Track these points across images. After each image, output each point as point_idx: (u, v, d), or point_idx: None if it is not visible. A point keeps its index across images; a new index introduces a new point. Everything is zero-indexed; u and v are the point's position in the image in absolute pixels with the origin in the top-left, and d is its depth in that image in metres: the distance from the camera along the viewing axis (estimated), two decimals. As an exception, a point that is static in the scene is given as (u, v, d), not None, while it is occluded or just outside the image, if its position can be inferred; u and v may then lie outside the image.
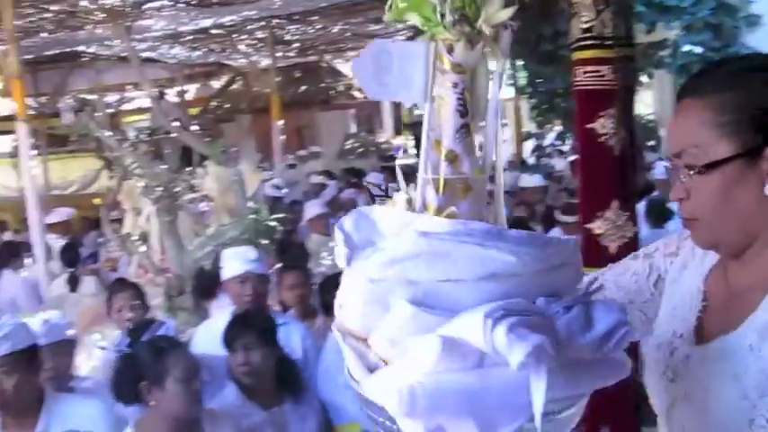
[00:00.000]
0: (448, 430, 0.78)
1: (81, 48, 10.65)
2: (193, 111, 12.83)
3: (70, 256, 6.19)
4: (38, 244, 6.06)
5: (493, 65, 0.93)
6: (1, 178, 12.05)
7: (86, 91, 11.83)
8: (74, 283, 5.80)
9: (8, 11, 6.25)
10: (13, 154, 10.98)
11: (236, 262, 3.33)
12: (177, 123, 4.59)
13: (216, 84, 14.29)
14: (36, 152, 8.14)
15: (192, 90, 14.47)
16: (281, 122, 9.58)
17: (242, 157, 4.40)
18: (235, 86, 13.65)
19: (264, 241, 4.07)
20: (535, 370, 0.75)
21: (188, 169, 4.47)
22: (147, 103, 10.02)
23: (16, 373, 2.36)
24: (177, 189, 4.41)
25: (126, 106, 16.16)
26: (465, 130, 0.91)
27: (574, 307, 0.83)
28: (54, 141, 11.53)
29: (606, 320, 0.83)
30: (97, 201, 11.15)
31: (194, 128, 5.68)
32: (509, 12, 0.87)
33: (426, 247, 0.83)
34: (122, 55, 9.35)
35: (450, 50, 0.89)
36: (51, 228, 7.24)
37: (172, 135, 4.43)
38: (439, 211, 0.89)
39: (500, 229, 0.89)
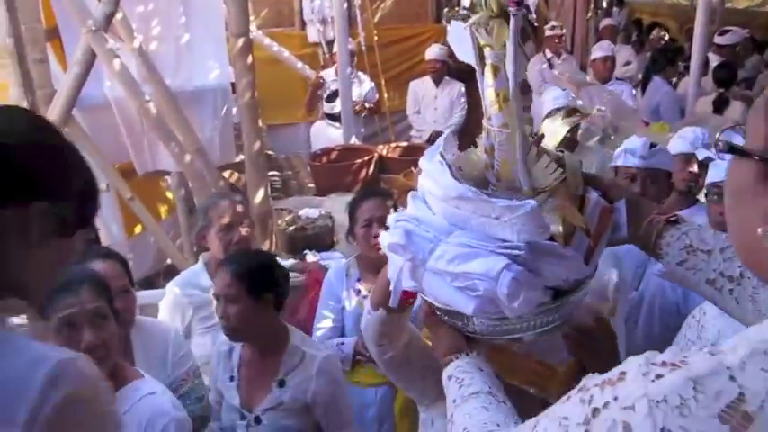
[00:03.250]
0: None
1: None
2: None
3: (725, 75, 5.85)
4: (697, 57, 5.83)
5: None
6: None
7: None
8: (721, 104, 5.51)
9: None
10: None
11: None
12: None
13: None
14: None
15: None
16: None
17: None
18: None
19: None
20: (396, 254, 1.20)
21: None
22: None
23: None
24: None
25: None
26: (493, 90, 1.17)
27: (474, 247, 1.12)
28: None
29: (474, 266, 1.10)
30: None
31: None
32: (495, 5, 1.12)
33: (432, 173, 1.22)
34: None
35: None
36: (718, 48, 6.92)
37: None
38: (483, 150, 1.23)
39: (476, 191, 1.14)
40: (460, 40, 1.25)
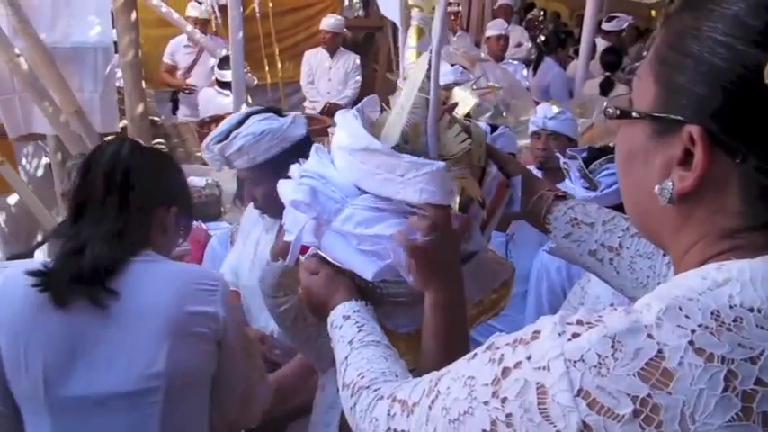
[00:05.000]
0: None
1: None
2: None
3: (611, 60, 6.06)
4: (586, 41, 6.02)
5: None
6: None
7: None
8: (607, 86, 5.71)
9: None
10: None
11: None
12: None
13: None
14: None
15: None
16: None
17: None
18: None
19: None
20: (299, 211, 1.16)
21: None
22: None
23: None
24: None
25: None
26: (415, 51, 1.18)
27: (383, 210, 1.10)
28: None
29: (381, 231, 1.09)
30: (654, 12, 10.72)
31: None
32: None
33: (344, 124, 1.17)
34: None
35: None
36: (605, 34, 7.18)
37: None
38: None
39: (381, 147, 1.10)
40: None
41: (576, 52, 6.54)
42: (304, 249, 1.29)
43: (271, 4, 6.64)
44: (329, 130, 4.82)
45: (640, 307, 0.63)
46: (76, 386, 1.45)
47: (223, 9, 6.53)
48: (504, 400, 0.64)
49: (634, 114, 0.73)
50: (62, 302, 1.45)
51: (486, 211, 1.22)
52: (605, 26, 7.30)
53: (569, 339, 0.62)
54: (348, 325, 1.11)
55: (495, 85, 4.80)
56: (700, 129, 0.64)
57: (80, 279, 1.45)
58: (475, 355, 0.72)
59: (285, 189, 1.22)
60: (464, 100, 1.32)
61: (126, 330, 1.47)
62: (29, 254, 2.31)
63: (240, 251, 2.48)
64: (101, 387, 1.46)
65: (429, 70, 1.12)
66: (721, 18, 0.64)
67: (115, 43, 3.86)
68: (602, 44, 6.79)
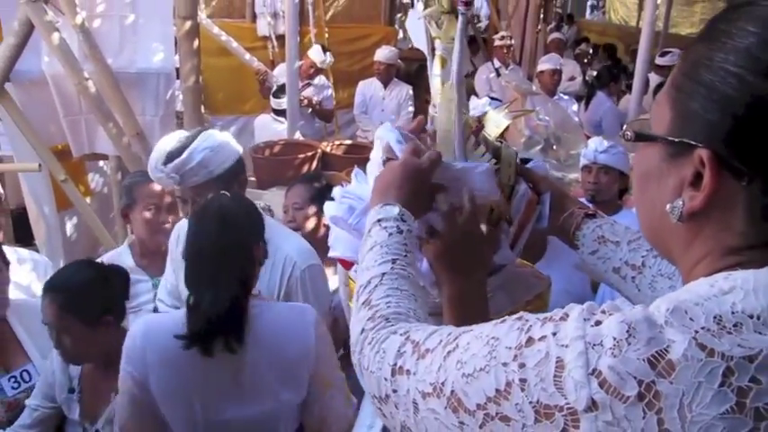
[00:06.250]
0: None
1: None
2: None
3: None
4: (639, 76, 6.00)
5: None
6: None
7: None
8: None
9: None
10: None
11: None
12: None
13: None
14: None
15: None
16: None
17: None
18: None
19: None
20: (338, 226, 1.29)
21: None
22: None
23: None
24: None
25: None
26: (440, 80, 1.27)
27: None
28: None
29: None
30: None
31: None
32: (447, 2, 1.24)
33: (383, 138, 1.27)
34: None
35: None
36: (658, 69, 7.15)
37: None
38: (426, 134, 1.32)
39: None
40: (416, 28, 1.34)
41: (629, 87, 6.51)
42: (347, 264, 1.36)
43: (327, 35, 6.80)
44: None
45: (653, 309, 0.67)
46: (217, 413, 1.81)
47: (280, 38, 6.73)
48: (522, 365, 0.69)
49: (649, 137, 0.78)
50: (207, 354, 1.76)
51: (514, 228, 1.29)
52: (659, 61, 7.27)
53: (593, 326, 0.67)
54: (397, 239, 1.05)
55: (546, 118, 4.82)
56: (709, 152, 0.69)
57: (215, 330, 1.74)
58: (504, 320, 0.76)
59: (328, 208, 1.31)
60: (497, 122, 1.38)
61: (248, 372, 1.81)
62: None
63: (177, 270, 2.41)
64: (229, 415, 1.82)
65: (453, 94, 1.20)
66: (733, 51, 0.69)
67: (177, 70, 4.02)
68: (655, 79, 6.75)
